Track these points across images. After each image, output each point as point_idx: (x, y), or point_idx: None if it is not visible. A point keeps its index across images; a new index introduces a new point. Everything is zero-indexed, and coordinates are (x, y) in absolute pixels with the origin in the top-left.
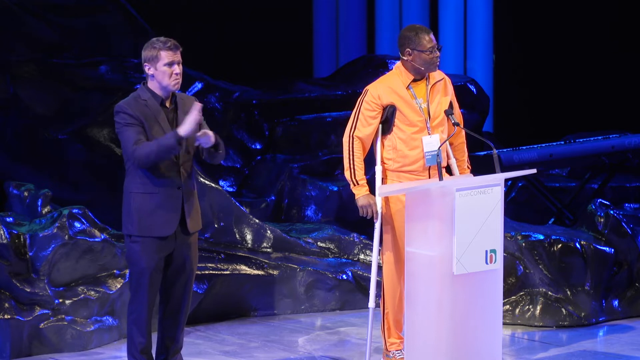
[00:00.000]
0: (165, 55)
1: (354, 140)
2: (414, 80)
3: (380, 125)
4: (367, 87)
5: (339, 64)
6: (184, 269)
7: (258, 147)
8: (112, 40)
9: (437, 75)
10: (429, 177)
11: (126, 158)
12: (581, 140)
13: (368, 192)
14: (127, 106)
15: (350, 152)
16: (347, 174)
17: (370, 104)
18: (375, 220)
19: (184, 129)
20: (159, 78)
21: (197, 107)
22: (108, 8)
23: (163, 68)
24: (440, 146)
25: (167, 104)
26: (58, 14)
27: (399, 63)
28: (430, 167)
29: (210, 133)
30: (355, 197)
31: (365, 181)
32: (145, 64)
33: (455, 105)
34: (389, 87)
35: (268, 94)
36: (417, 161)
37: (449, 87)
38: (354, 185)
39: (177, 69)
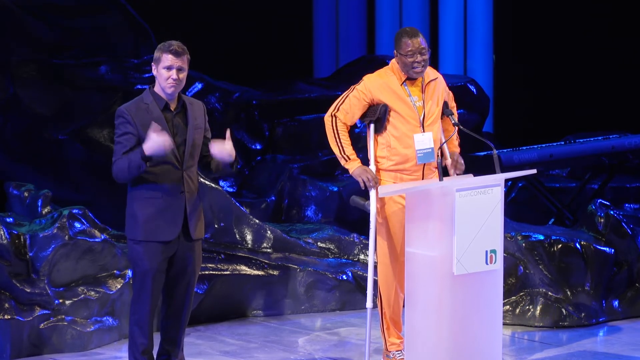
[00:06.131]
0: (166, 59)
1: (336, 119)
2: (409, 79)
3: (373, 124)
4: (365, 77)
5: (339, 64)
6: (185, 272)
7: (258, 147)
8: (112, 40)
9: (431, 74)
10: (423, 176)
11: None
12: (581, 140)
13: (360, 164)
14: (127, 111)
15: (335, 130)
16: (335, 151)
17: (359, 93)
18: (373, 187)
19: (147, 146)
20: (158, 80)
21: (155, 127)
22: (108, 8)
23: (162, 71)
24: (440, 147)
25: (172, 108)
26: (58, 14)
27: (394, 60)
28: (424, 164)
29: (229, 148)
30: (350, 172)
31: (356, 154)
32: (152, 64)
33: (452, 104)
34: (385, 83)
35: (268, 94)
36: (412, 159)
37: (444, 86)
38: (346, 160)
39: (175, 74)
